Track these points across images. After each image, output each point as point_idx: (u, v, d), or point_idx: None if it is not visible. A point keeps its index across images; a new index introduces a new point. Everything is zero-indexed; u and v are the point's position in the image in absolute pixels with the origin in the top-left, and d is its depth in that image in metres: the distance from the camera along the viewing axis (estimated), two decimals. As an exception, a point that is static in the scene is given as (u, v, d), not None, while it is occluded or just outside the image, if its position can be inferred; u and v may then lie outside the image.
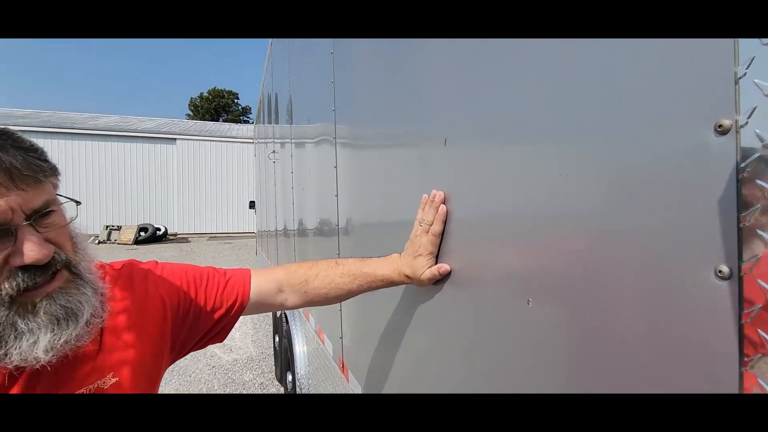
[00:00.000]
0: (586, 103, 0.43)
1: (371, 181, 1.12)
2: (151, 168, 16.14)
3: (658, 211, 0.35)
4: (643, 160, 0.37)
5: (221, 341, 0.78)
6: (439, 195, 0.74)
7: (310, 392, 2.27)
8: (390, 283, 0.81)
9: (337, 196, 1.47)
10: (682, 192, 0.33)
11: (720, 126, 0.30)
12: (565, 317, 0.46)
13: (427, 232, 0.75)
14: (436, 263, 0.76)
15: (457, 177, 0.70)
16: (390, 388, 1.07)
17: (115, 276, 0.66)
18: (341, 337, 1.55)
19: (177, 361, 3.83)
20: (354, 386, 1.38)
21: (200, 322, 0.73)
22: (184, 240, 15.23)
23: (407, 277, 0.78)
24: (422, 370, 0.85)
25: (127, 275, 0.68)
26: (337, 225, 1.48)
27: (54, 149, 14.58)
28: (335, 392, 1.63)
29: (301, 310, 2.51)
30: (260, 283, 0.78)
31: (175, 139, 16.47)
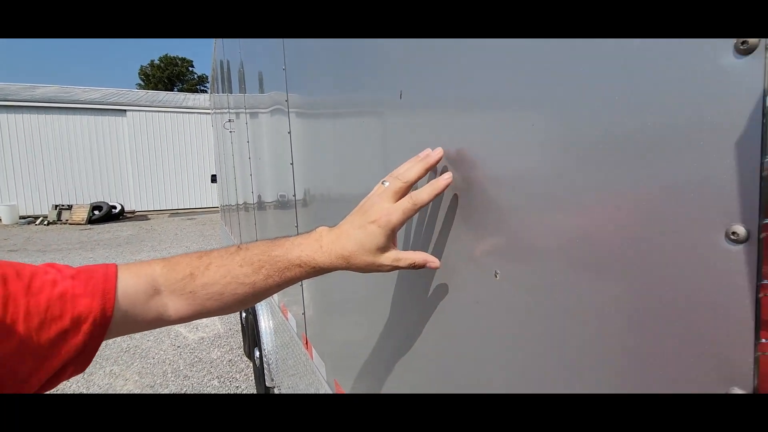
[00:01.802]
0: (572, 40, 0.35)
1: (326, 146, 1.02)
2: (100, 142, 15.05)
3: (651, 156, 0.28)
4: (636, 83, 0.29)
5: (79, 372, 0.47)
6: (437, 152, 0.53)
7: (278, 368, 2.21)
8: (313, 270, 0.53)
9: (292, 164, 1.36)
10: (682, 131, 0.26)
11: (744, 43, 0.23)
12: (542, 292, 0.40)
13: (398, 196, 0.52)
14: (398, 247, 0.55)
15: (416, 139, 0.61)
16: (352, 363, 1.02)
17: None
18: (303, 313, 1.48)
19: (133, 345, 3.73)
20: (318, 363, 1.32)
21: (26, 347, 0.41)
22: (143, 218, 14.52)
23: (343, 258, 0.52)
24: (387, 346, 0.80)
25: None
26: (294, 196, 1.38)
27: (-13, 124, 13.32)
28: (300, 367, 1.58)
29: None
30: (128, 282, 0.48)
31: (125, 110, 15.35)
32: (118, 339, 4.20)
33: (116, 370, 3.56)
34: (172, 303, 0.51)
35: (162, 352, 3.88)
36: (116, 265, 0.50)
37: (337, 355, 1.15)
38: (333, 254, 0.53)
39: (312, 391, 1.38)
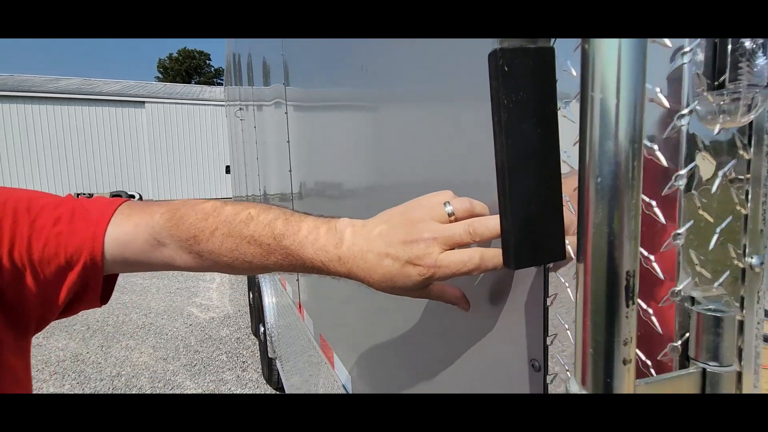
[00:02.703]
0: None
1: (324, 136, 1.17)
2: (120, 133, 15.55)
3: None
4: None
5: (95, 306, 0.52)
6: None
7: (279, 339, 2.39)
8: (327, 275, 0.46)
9: (288, 140, 1.52)
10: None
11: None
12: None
13: (455, 245, 0.40)
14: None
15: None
16: (331, 321, 1.17)
17: None
18: (297, 279, 1.64)
19: (149, 322, 3.89)
20: (308, 322, 1.49)
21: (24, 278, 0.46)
22: (160, 207, 14.95)
23: (364, 281, 0.43)
24: (365, 301, 0.94)
25: None
26: (291, 187, 1.54)
27: (14, 114, 13.86)
28: (294, 330, 1.75)
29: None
30: (123, 230, 0.49)
31: (144, 102, 15.81)
32: (134, 316, 4.46)
33: (132, 344, 3.80)
34: (180, 257, 0.50)
35: (175, 329, 4.12)
36: (116, 207, 0.51)
37: (323, 312, 1.31)
38: (353, 272, 0.43)
39: (304, 354, 1.54)
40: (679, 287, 0.30)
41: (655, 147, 0.29)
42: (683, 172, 0.28)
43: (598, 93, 0.23)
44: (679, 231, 0.29)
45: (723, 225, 0.30)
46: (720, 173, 0.29)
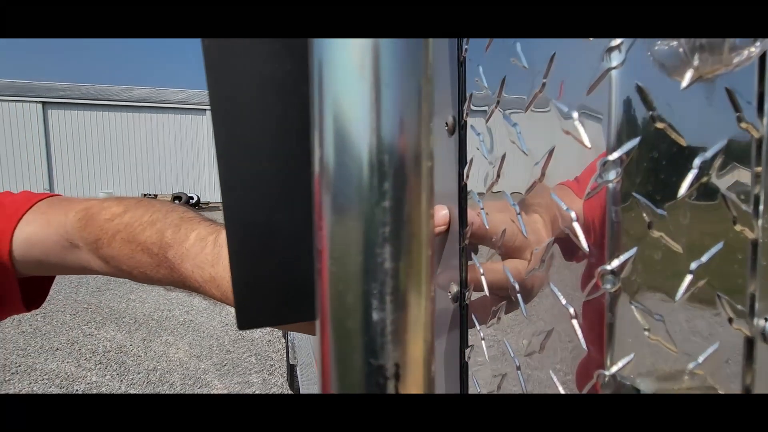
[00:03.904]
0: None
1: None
2: (183, 138, 16.66)
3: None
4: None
5: (15, 312, 0.49)
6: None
7: (300, 346, 2.34)
8: (204, 294, 0.40)
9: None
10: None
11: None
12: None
13: None
14: None
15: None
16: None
17: None
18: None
19: (189, 319, 4.08)
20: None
21: None
22: (216, 208, 15.80)
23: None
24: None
25: None
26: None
27: (95, 121, 15.28)
28: (309, 339, 1.67)
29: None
30: (33, 228, 0.44)
31: (205, 110, 16.81)
32: (177, 312, 4.65)
33: (170, 340, 3.94)
34: (94, 261, 0.45)
35: (212, 328, 4.23)
36: (34, 203, 0.47)
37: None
38: (228, 297, 0.36)
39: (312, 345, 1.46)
40: (611, 370, 0.16)
41: (574, 115, 0.16)
42: (615, 156, 0.15)
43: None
44: (609, 267, 0.16)
45: (704, 259, 0.16)
46: (696, 163, 0.16)
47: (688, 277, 0.16)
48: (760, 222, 0.16)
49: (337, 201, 0.10)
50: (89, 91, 17.44)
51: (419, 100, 0.10)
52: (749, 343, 0.17)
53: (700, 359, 0.16)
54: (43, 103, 14.70)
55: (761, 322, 0.17)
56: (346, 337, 0.10)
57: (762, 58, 0.16)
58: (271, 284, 0.19)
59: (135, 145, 15.99)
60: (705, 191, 0.16)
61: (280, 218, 0.18)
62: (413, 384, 0.12)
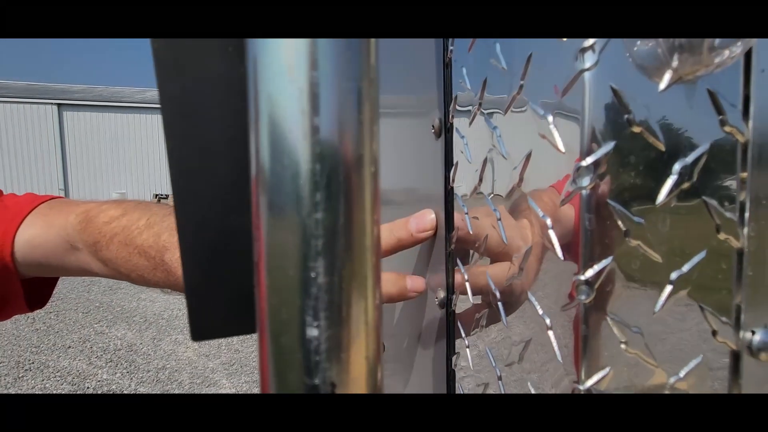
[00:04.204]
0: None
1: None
2: (194, 139, 16.86)
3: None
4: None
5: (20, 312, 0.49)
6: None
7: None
8: None
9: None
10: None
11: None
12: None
13: None
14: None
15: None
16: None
17: None
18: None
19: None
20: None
21: None
22: (226, 208, 15.93)
23: None
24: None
25: None
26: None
27: (108, 122, 15.52)
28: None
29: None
30: (35, 231, 0.45)
31: (216, 110, 16.98)
32: (186, 311, 4.68)
33: (180, 339, 3.98)
34: (94, 264, 0.45)
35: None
36: (37, 205, 0.47)
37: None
38: None
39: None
40: (585, 384, 0.16)
41: (549, 118, 0.16)
42: (589, 161, 0.15)
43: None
44: (583, 276, 0.15)
45: (685, 269, 0.15)
46: (676, 169, 0.15)
47: (668, 288, 0.15)
48: (745, 230, 0.16)
49: (273, 211, 0.09)
50: (103, 93, 17.73)
51: (359, 104, 0.09)
52: (735, 357, 0.16)
53: (682, 373, 0.16)
54: (59, 104, 15.00)
55: (748, 335, 0.16)
56: (281, 353, 0.10)
57: (747, 59, 0.15)
58: (227, 292, 0.18)
59: (147, 146, 16.20)
60: (686, 198, 0.15)
61: (237, 221, 0.18)
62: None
